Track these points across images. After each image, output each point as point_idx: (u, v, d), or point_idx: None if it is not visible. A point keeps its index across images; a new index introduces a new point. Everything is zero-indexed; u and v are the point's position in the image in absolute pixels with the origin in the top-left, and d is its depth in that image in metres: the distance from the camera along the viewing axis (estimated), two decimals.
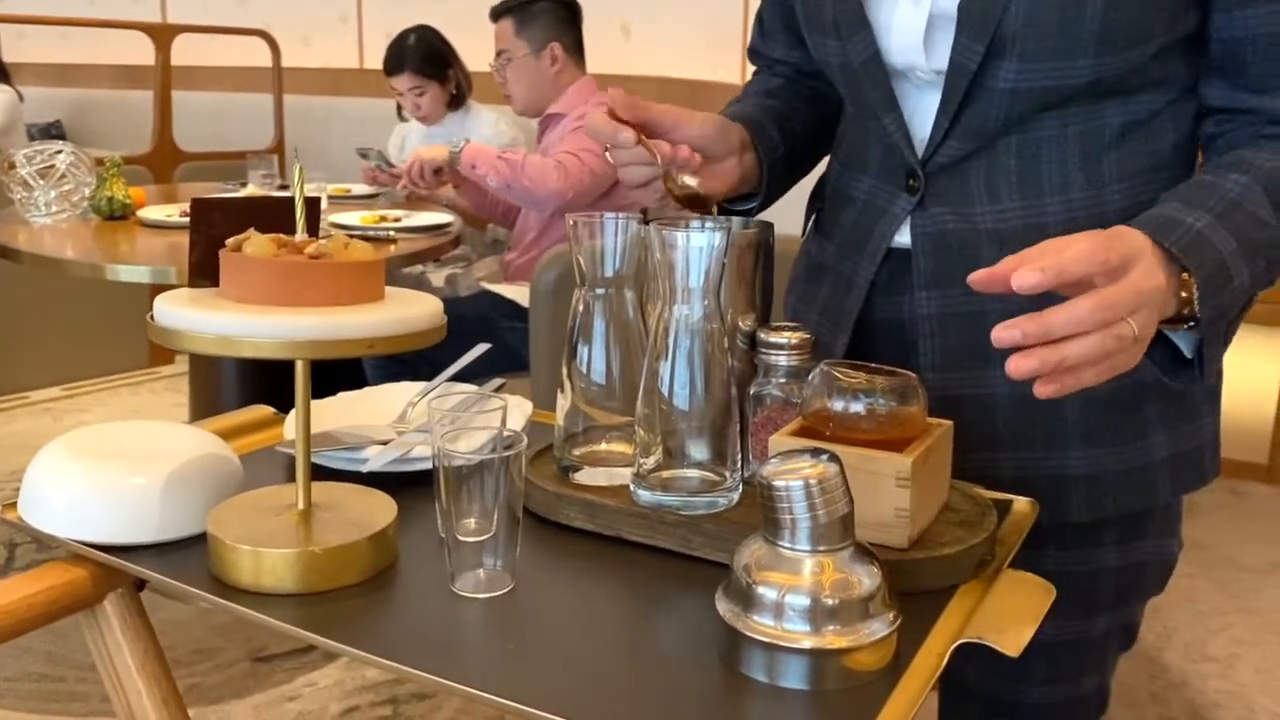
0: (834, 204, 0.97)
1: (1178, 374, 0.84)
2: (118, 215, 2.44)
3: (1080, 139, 0.83)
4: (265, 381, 2.47)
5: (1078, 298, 0.65)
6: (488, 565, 0.71)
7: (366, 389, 1.03)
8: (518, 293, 2.55)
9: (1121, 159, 0.83)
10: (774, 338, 0.82)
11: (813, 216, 1.02)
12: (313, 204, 0.75)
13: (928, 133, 0.86)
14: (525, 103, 2.71)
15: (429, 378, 1.03)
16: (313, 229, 0.75)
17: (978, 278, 0.67)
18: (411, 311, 0.72)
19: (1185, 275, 0.72)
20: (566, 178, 2.41)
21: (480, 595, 0.70)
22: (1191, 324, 0.74)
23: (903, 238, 0.89)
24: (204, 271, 0.75)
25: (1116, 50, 0.79)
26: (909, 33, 0.84)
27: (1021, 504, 0.81)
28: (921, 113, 0.86)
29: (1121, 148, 0.83)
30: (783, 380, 0.82)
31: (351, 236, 0.77)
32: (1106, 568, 0.90)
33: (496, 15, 2.70)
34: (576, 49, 2.69)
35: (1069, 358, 0.64)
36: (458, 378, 1.03)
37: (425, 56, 3.01)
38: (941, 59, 0.83)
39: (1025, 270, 0.64)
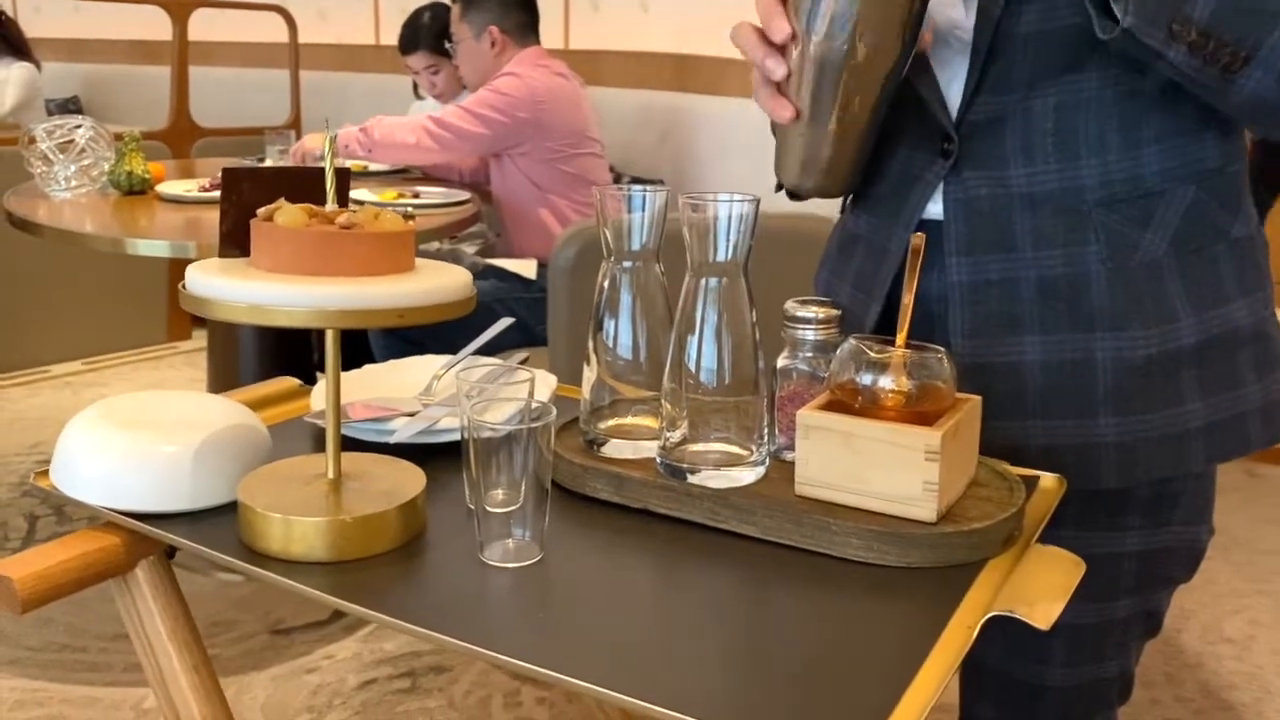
0: (869, 176, 0.97)
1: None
2: (137, 190, 2.45)
3: (1120, 100, 0.82)
4: (283, 356, 2.48)
5: None
6: (516, 536, 0.71)
7: (392, 361, 1.03)
8: (521, 266, 2.58)
9: (1162, 120, 0.82)
10: (801, 312, 0.82)
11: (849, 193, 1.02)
12: (343, 175, 0.75)
13: (960, 93, 0.85)
14: (473, 85, 2.81)
15: (438, 354, 1.04)
16: (343, 200, 0.75)
17: None
18: (442, 282, 0.72)
19: None
20: (418, 134, 2.59)
21: (509, 565, 0.71)
22: None
23: (935, 206, 0.88)
24: (235, 241, 0.75)
25: None
26: None
27: (1049, 479, 0.81)
28: (958, 77, 0.85)
29: (1162, 108, 0.82)
30: (809, 355, 0.82)
31: None
32: (1128, 552, 0.90)
33: (452, 0, 2.80)
34: (521, 30, 2.76)
35: None
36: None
37: (440, 34, 3.01)
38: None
39: None
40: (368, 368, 1.02)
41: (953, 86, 0.86)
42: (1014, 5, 0.80)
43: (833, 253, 1.01)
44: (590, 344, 0.83)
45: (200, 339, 3.50)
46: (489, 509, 0.71)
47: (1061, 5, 0.79)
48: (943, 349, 0.75)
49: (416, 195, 2.59)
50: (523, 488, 0.71)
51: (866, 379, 0.74)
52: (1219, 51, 0.74)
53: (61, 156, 2.39)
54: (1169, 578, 0.94)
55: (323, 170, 0.74)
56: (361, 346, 2.39)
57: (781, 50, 0.81)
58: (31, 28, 4.39)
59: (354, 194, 2.52)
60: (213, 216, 2.23)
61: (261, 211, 0.73)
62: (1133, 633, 0.94)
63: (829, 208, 1.04)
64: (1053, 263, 0.83)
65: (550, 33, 2.86)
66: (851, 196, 1.00)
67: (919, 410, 0.73)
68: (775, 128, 0.88)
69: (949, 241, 0.87)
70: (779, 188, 0.99)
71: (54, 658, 2.04)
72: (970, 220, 0.86)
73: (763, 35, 0.81)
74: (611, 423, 0.84)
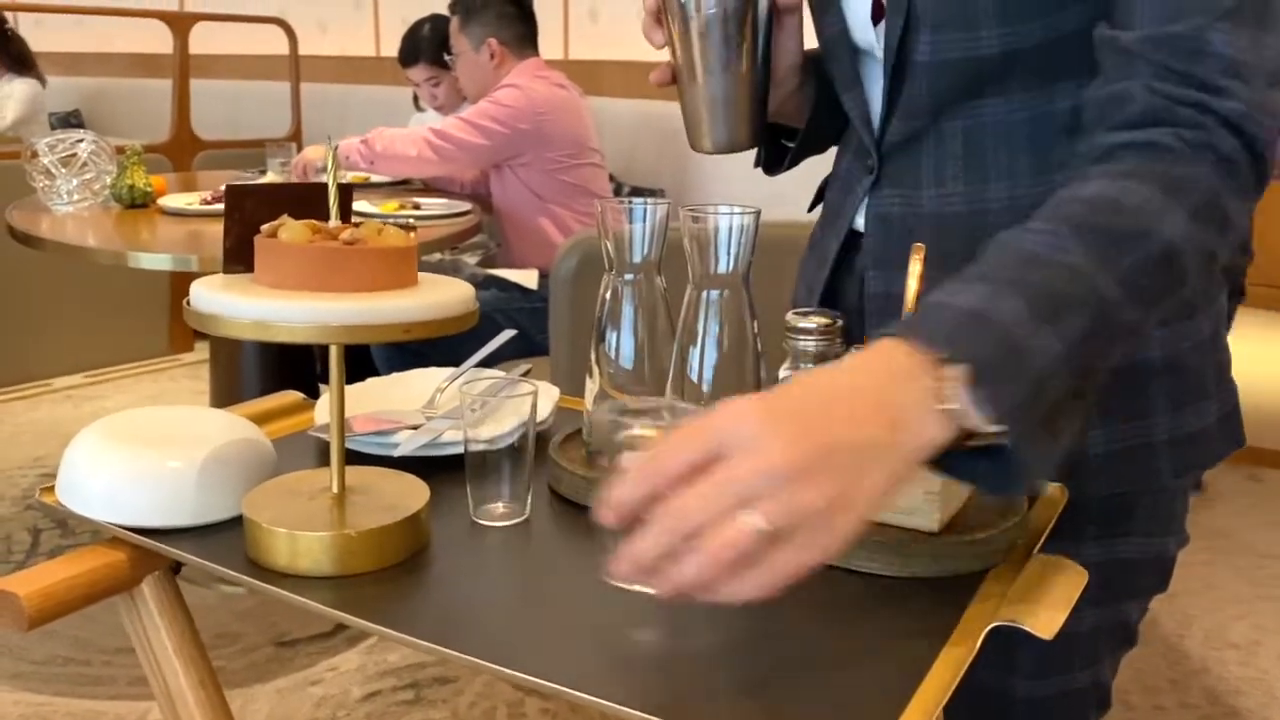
0: (829, 183, 1.00)
1: (996, 484, 0.61)
2: (139, 203, 2.45)
3: (1029, 125, 0.81)
4: (286, 368, 2.49)
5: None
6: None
7: (395, 374, 1.03)
8: (522, 276, 2.59)
9: (1071, 145, 0.79)
10: (802, 323, 0.82)
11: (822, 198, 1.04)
12: (346, 190, 0.76)
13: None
14: (473, 96, 2.82)
15: (441, 365, 1.04)
16: (346, 215, 0.75)
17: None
18: (446, 297, 0.72)
19: (950, 369, 0.57)
20: (419, 146, 2.62)
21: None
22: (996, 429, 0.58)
23: (861, 219, 0.91)
24: (238, 257, 0.75)
25: (1021, 20, 0.77)
26: (861, 10, 0.85)
27: (1051, 488, 0.81)
28: (878, 93, 0.87)
29: (1073, 133, 0.80)
30: (810, 365, 0.83)
31: None
32: (1087, 563, 0.87)
33: (451, 13, 2.81)
34: (520, 41, 2.78)
35: (680, 585, 0.53)
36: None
37: (440, 46, 3.02)
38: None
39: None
40: (371, 381, 1.02)
41: (876, 105, 0.88)
42: (910, 34, 0.81)
43: (805, 256, 1.04)
44: (592, 356, 0.84)
45: (203, 351, 3.50)
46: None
47: (949, 39, 0.79)
48: None
49: (417, 206, 2.60)
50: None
51: None
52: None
53: (64, 170, 2.40)
54: (1136, 589, 0.92)
55: (325, 186, 0.75)
56: (364, 359, 2.40)
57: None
58: (33, 42, 4.40)
59: (355, 205, 2.52)
60: (214, 229, 2.22)
61: (265, 228, 0.73)
62: (1103, 645, 0.92)
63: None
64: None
65: (549, 43, 2.87)
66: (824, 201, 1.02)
67: None
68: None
69: (865, 254, 0.89)
70: (755, 164, 1.03)
71: (58, 671, 2.04)
72: (885, 235, 0.87)
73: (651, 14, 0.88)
74: None
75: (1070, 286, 0.61)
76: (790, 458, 0.52)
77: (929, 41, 0.80)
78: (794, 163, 1.02)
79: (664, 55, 0.89)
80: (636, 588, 0.57)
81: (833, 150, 1.04)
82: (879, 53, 0.85)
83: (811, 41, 0.94)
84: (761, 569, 0.53)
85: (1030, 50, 0.79)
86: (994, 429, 0.57)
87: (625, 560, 0.55)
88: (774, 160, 1.02)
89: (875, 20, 0.84)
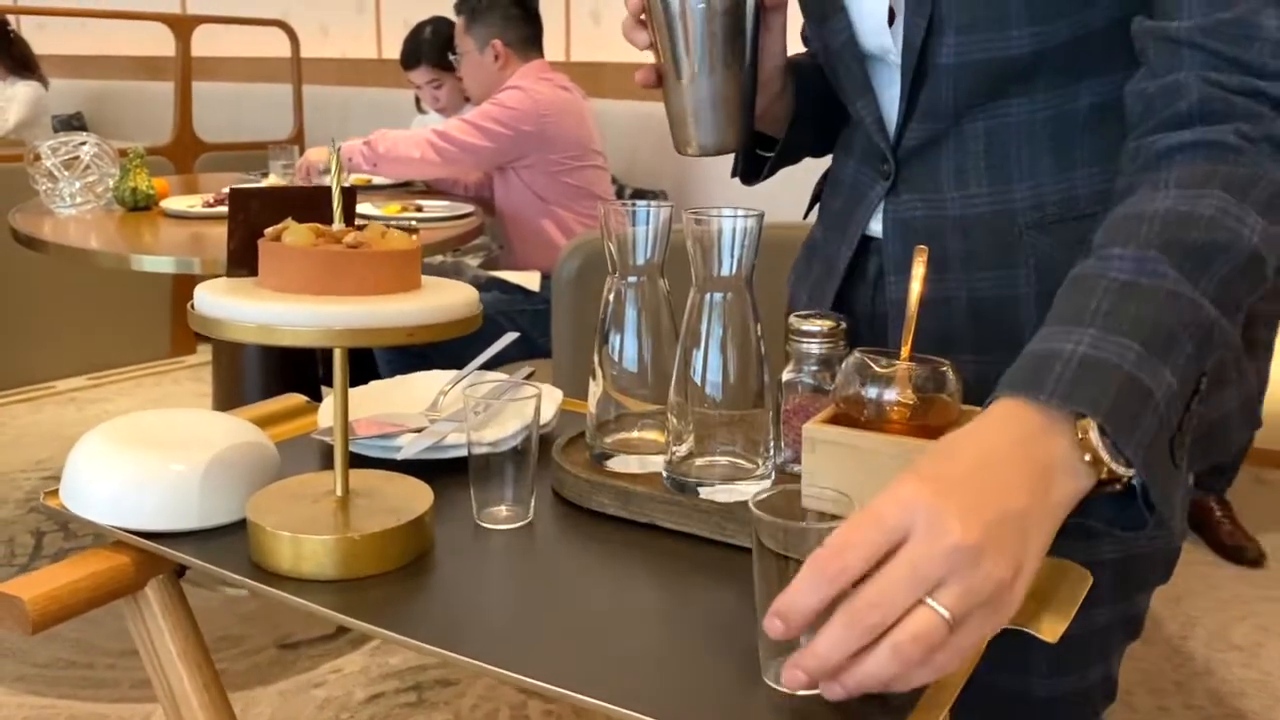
0: (829, 188, 0.99)
1: (1129, 522, 0.63)
2: (141, 206, 2.46)
3: (1051, 123, 0.81)
4: (288, 371, 2.49)
5: (834, 614, 0.53)
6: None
7: (398, 377, 1.03)
8: (524, 278, 2.59)
9: (1094, 142, 0.81)
10: (805, 326, 0.82)
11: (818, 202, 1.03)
12: (349, 193, 0.76)
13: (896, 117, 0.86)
14: (476, 97, 2.83)
15: (443, 368, 1.04)
16: (349, 218, 0.75)
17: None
18: (450, 299, 0.72)
19: (1081, 421, 0.57)
20: (422, 147, 2.63)
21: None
22: (1124, 475, 0.59)
23: (877, 225, 0.90)
24: (242, 261, 0.75)
25: (1050, 19, 0.77)
26: (874, 14, 0.85)
27: None
28: (893, 97, 0.86)
29: (1095, 131, 0.81)
30: (814, 368, 0.83)
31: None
32: (1104, 560, 0.87)
33: (456, 14, 2.82)
34: (524, 43, 2.78)
35: (865, 683, 0.53)
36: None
37: (442, 49, 3.03)
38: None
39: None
40: (374, 384, 1.02)
41: (887, 107, 0.87)
42: (934, 36, 0.80)
43: (800, 260, 1.04)
44: (595, 358, 0.84)
45: (205, 354, 3.51)
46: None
47: (976, 40, 0.79)
48: (948, 361, 0.75)
49: (420, 209, 2.60)
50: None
51: (872, 392, 0.74)
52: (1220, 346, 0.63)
53: (66, 173, 2.40)
54: (1146, 582, 0.93)
55: (329, 189, 0.75)
56: (366, 361, 2.40)
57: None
58: (36, 44, 4.41)
59: (358, 208, 2.53)
60: (216, 232, 2.22)
61: (269, 231, 0.73)
62: (1114, 639, 0.93)
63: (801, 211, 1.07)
64: (983, 284, 0.84)
65: (551, 45, 2.87)
66: (820, 205, 1.02)
67: (925, 423, 0.73)
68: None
69: (886, 260, 0.88)
70: (733, 173, 1.02)
71: (61, 674, 2.04)
72: (905, 240, 0.87)
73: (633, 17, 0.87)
74: (617, 437, 0.84)
75: (1173, 316, 0.61)
76: (968, 534, 0.52)
77: (954, 43, 0.80)
78: (771, 173, 1.01)
79: (652, 56, 0.88)
80: (803, 692, 0.56)
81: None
82: (893, 57, 0.84)
83: (795, 45, 0.94)
84: (944, 652, 0.52)
85: (1057, 48, 0.78)
86: (1125, 471, 0.58)
87: (804, 667, 0.53)
88: (751, 170, 1.01)
89: (892, 23, 0.84)
